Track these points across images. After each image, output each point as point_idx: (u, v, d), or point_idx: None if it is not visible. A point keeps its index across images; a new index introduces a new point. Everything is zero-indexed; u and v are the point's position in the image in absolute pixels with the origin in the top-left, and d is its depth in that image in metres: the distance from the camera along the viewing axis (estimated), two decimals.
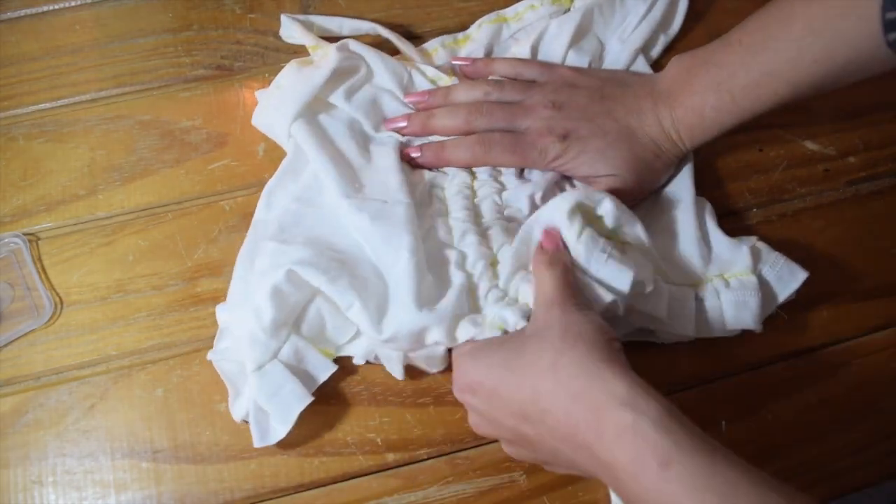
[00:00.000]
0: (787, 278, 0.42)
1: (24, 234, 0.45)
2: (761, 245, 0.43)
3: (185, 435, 0.40)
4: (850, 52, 0.38)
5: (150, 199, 0.46)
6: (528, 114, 0.44)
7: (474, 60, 0.49)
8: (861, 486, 0.40)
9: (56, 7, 0.54)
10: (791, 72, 0.40)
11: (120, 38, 0.53)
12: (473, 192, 0.45)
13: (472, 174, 0.46)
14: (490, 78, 0.48)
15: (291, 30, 0.51)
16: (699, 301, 0.42)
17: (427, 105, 0.47)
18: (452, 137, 0.46)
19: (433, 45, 0.52)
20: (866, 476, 0.40)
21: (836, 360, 0.42)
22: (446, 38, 0.52)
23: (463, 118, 0.45)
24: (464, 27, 0.54)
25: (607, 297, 0.37)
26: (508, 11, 0.52)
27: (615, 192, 0.42)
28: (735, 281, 0.42)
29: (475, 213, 0.44)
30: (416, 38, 0.53)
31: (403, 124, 0.46)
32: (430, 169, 0.46)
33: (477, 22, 0.52)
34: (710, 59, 0.43)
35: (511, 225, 0.43)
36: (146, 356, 0.42)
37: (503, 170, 0.46)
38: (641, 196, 0.45)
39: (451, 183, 0.45)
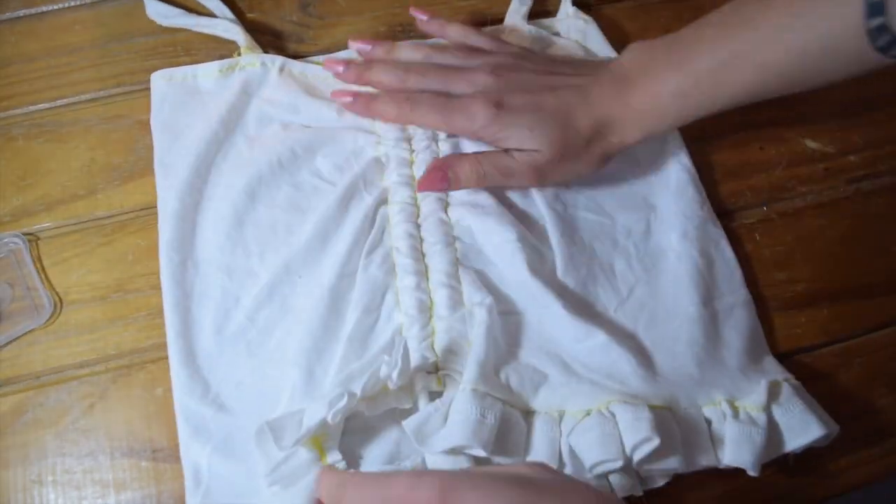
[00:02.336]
0: (799, 430, 0.37)
1: (24, 234, 0.45)
2: (786, 384, 0.39)
3: None
4: (828, 45, 0.36)
5: (150, 198, 0.46)
6: (465, 78, 0.43)
7: (431, 18, 0.48)
8: (861, 486, 0.40)
9: (55, 7, 0.54)
10: (761, 56, 0.38)
11: (119, 37, 0.53)
12: (417, 208, 0.44)
13: (414, 186, 0.44)
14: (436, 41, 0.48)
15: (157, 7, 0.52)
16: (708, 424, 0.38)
17: (368, 56, 0.47)
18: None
19: (342, 57, 0.50)
20: (866, 475, 0.40)
21: (836, 360, 0.42)
22: (354, 54, 0.50)
23: (398, 76, 0.45)
24: None
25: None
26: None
27: (534, 169, 0.41)
28: (743, 413, 0.38)
29: (418, 239, 0.43)
30: (415, 37, 0.53)
31: (341, 69, 0.47)
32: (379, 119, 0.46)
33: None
34: (675, 40, 0.41)
35: (453, 249, 0.42)
36: (146, 355, 0.42)
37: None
38: (561, 179, 0.44)
39: (394, 198, 0.44)
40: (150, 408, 0.40)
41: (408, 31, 0.53)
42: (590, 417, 0.37)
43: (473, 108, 0.41)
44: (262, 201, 0.44)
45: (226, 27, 0.51)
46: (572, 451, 0.36)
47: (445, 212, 0.44)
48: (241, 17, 0.53)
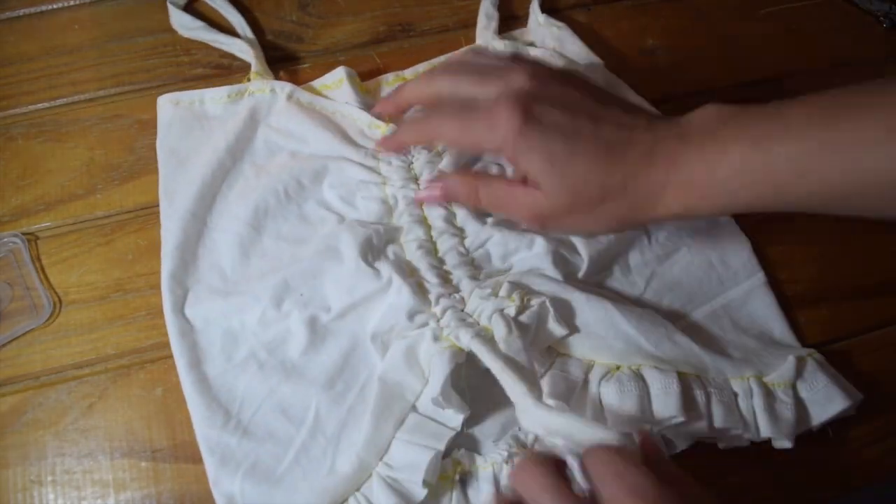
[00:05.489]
0: (824, 403, 0.38)
1: (23, 234, 0.45)
2: (811, 359, 0.40)
3: (184, 434, 0.39)
4: None
5: (149, 198, 0.46)
6: (500, 77, 0.36)
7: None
8: (861, 486, 0.40)
9: (54, 6, 0.54)
10: (860, 160, 0.30)
11: (118, 37, 0.53)
12: (434, 244, 0.43)
13: (428, 226, 0.43)
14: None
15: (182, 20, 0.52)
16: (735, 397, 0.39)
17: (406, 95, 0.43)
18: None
19: (339, 75, 0.49)
20: (866, 475, 0.40)
21: (837, 359, 0.41)
22: (354, 74, 0.49)
23: (427, 81, 0.40)
24: (463, 25, 0.54)
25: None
26: (408, 72, 0.51)
27: (535, 214, 0.36)
28: (771, 389, 0.39)
29: (443, 272, 0.42)
30: (415, 37, 0.53)
31: (382, 109, 0.45)
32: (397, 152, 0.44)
33: (382, 78, 0.51)
34: (759, 111, 0.33)
35: (477, 272, 0.41)
36: (145, 355, 0.42)
37: (457, 213, 0.43)
38: (564, 233, 0.40)
39: (408, 237, 0.43)
40: (149, 408, 0.40)
41: (407, 30, 0.53)
42: (622, 374, 0.38)
43: (497, 116, 0.34)
44: (268, 233, 0.43)
45: (241, 48, 0.51)
46: (599, 401, 0.37)
47: (463, 245, 0.42)
48: (260, 6, 0.53)
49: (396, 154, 0.44)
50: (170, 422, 0.40)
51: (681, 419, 0.36)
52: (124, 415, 0.40)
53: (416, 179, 0.44)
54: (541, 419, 0.33)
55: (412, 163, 0.45)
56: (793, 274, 0.45)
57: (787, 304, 0.44)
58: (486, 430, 0.39)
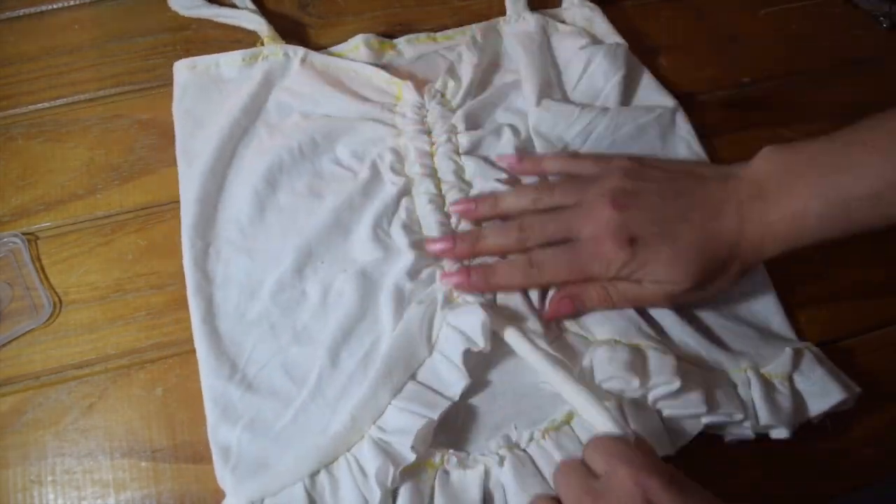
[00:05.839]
0: (820, 395, 0.39)
1: (23, 234, 0.45)
2: (808, 352, 0.40)
3: (184, 434, 0.40)
4: None
5: (149, 198, 0.46)
6: (588, 218, 0.39)
7: (521, 159, 0.45)
8: (862, 485, 0.40)
9: (54, 7, 0.54)
10: None
11: (118, 37, 0.53)
12: (443, 198, 0.45)
13: (438, 179, 0.45)
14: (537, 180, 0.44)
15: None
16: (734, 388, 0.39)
17: (475, 215, 0.43)
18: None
19: (356, 42, 0.51)
20: (866, 475, 0.40)
21: (837, 359, 0.41)
22: (371, 38, 0.51)
23: (514, 237, 0.41)
24: (462, 25, 0.54)
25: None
26: (438, 34, 0.52)
27: (667, 297, 0.40)
28: (768, 380, 0.39)
29: (449, 227, 0.43)
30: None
31: (448, 246, 0.41)
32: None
33: (405, 37, 0.52)
34: (819, 158, 0.37)
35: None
36: (145, 355, 0.42)
37: (466, 167, 0.45)
38: (696, 301, 0.41)
39: (419, 189, 0.45)
40: (149, 408, 0.40)
41: (407, 30, 0.53)
42: (618, 346, 0.39)
43: (606, 252, 0.38)
44: (283, 188, 0.45)
45: (248, 18, 0.52)
46: (590, 363, 0.39)
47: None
48: (260, 6, 0.53)
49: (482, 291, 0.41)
50: (170, 422, 0.40)
51: (677, 384, 0.36)
52: (124, 415, 0.40)
53: (429, 132, 0.46)
54: (555, 382, 0.37)
55: (426, 116, 0.47)
56: (793, 274, 0.45)
57: (788, 304, 0.44)
58: (479, 428, 0.39)
